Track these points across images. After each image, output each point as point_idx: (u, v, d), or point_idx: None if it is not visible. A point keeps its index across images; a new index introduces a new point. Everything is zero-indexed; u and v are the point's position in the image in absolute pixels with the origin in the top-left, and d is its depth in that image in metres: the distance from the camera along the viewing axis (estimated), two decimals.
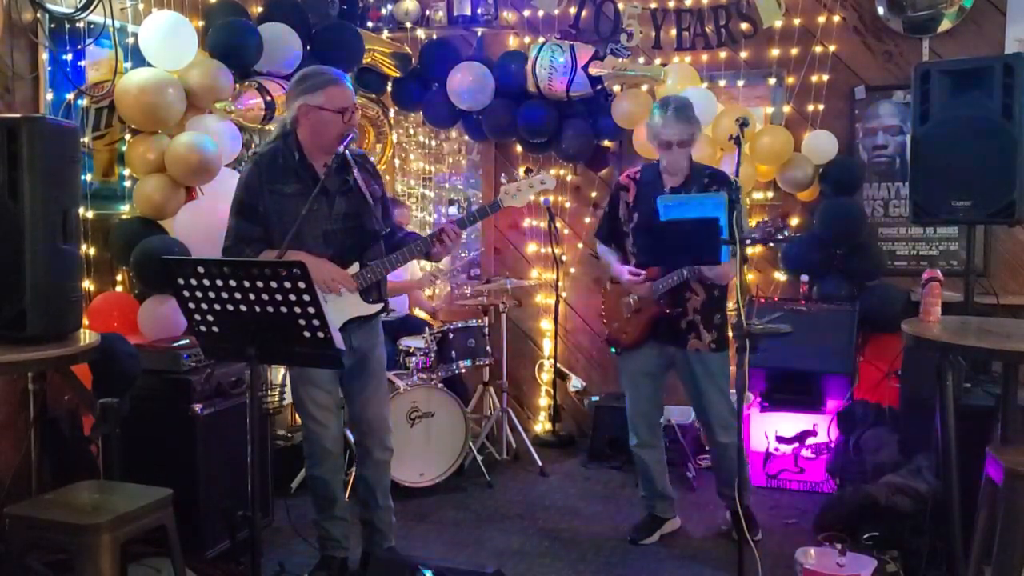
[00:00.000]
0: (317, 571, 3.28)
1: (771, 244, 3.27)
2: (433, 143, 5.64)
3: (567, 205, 5.30)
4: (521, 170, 3.22)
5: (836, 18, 4.64)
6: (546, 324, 5.35)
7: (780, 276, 4.79)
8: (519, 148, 5.26)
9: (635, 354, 3.67)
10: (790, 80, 4.72)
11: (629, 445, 3.80)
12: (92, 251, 3.66)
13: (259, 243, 2.98)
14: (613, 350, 3.78)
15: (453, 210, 5.59)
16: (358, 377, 3.20)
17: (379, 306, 3.16)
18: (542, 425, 5.37)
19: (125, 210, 3.88)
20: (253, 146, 4.70)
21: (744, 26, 4.75)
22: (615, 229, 3.72)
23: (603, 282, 3.91)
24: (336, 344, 2.37)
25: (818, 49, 4.66)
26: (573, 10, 5.03)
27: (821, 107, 4.65)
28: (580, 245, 5.29)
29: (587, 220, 5.26)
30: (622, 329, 3.67)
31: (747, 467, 4.05)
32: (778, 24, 4.63)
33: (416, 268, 5.28)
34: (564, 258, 5.28)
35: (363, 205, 3.09)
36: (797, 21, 4.66)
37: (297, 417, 4.98)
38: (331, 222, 3.04)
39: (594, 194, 5.24)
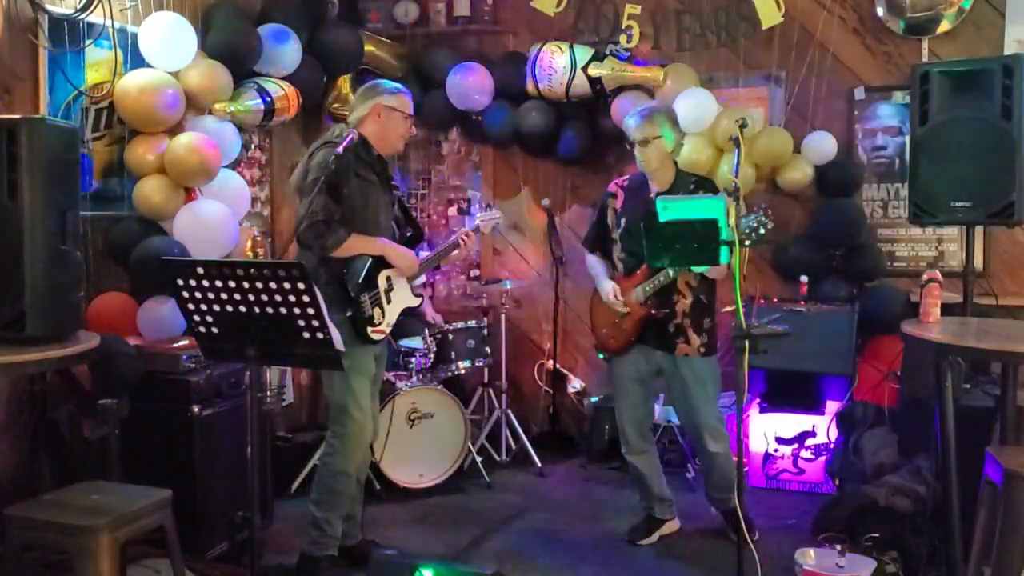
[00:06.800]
0: (328, 568, 3.28)
1: (755, 237, 3.25)
2: (433, 143, 5.63)
3: (567, 206, 5.30)
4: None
5: (835, 19, 4.65)
6: (545, 325, 5.35)
7: (779, 277, 4.79)
8: (518, 149, 5.26)
9: (623, 359, 3.66)
10: (789, 81, 4.72)
11: (621, 452, 3.80)
12: (92, 252, 3.66)
13: (339, 224, 3.10)
14: (601, 356, 3.78)
15: (452, 210, 5.59)
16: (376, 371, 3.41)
17: (421, 298, 3.44)
18: (541, 426, 5.37)
19: (125, 211, 3.87)
20: (252, 147, 4.71)
21: (743, 27, 4.75)
22: (602, 237, 3.74)
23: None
24: (336, 345, 2.38)
25: (817, 50, 4.66)
26: (573, 11, 5.03)
27: (820, 108, 4.65)
28: (580, 245, 5.27)
29: (586, 221, 5.25)
30: (610, 334, 3.67)
31: (744, 468, 4.04)
32: (777, 24, 4.63)
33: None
34: (564, 259, 5.27)
35: (398, 203, 3.49)
36: (796, 22, 4.67)
37: (303, 416, 5.02)
38: (391, 213, 3.40)
39: (593, 195, 5.23)
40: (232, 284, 2.34)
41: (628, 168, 5.08)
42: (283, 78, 4.26)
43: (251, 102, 4.02)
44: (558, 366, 5.24)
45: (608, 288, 3.62)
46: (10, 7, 3.27)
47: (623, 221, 3.62)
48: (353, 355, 3.17)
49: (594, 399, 5.06)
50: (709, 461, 3.65)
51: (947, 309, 3.32)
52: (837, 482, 4.15)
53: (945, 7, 4.40)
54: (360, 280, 3.14)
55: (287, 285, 2.29)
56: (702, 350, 3.53)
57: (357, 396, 3.22)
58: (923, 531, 3.27)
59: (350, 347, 3.11)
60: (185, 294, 2.42)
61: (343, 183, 3.09)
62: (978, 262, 4.22)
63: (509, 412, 4.87)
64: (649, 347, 3.60)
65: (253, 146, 4.74)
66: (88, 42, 3.57)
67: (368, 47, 4.84)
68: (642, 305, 3.53)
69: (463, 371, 4.72)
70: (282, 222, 4.98)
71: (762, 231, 3.17)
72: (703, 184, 3.56)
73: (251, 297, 2.34)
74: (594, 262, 3.77)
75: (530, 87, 4.82)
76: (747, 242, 3.22)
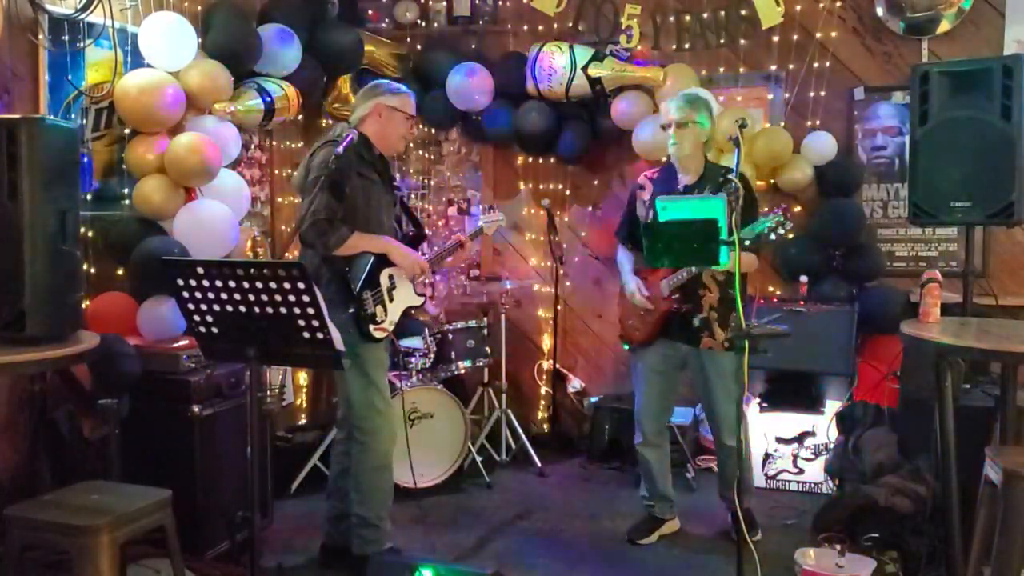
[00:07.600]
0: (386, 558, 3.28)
1: (772, 238, 3.25)
2: (433, 143, 5.63)
3: (566, 205, 5.30)
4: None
5: (835, 19, 4.65)
6: (545, 325, 5.35)
7: (779, 277, 4.79)
8: (518, 149, 5.26)
9: (646, 351, 3.66)
10: (789, 81, 4.72)
11: (634, 443, 3.78)
12: (92, 252, 3.66)
13: (341, 222, 3.10)
14: (626, 347, 3.78)
15: (452, 210, 5.59)
16: None
17: (423, 298, 3.45)
18: (541, 426, 5.37)
19: (125, 211, 3.88)
20: (252, 147, 4.72)
21: (743, 27, 4.75)
22: (633, 229, 3.72)
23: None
24: (335, 345, 2.38)
25: (817, 50, 4.66)
26: (573, 11, 5.03)
27: (820, 108, 4.65)
28: (581, 245, 5.29)
29: (586, 221, 5.26)
30: (634, 326, 3.67)
31: (751, 468, 4.06)
32: (777, 24, 4.63)
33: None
34: (564, 259, 5.27)
35: (398, 204, 3.50)
36: (796, 22, 4.67)
37: (303, 416, 5.03)
38: (393, 212, 3.42)
39: (593, 195, 5.24)
40: (232, 284, 2.34)
41: (628, 168, 5.12)
42: (283, 78, 4.26)
43: (251, 102, 4.02)
44: (558, 366, 5.24)
45: (632, 284, 3.63)
46: (10, 7, 3.27)
47: (652, 214, 3.60)
48: (367, 350, 3.20)
49: (594, 399, 5.06)
50: (724, 456, 3.66)
51: (947, 309, 3.32)
52: (837, 482, 4.14)
53: (945, 7, 4.40)
54: (363, 278, 3.15)
55: (287, 285, 2.29)
56: (726, 344, 3.50)
57: (380, 389, 3.26)
58: (923, 531, 3.27)
59: (362, 344, 3.14)
60: (185, 294, 2.42)
61: (345, 182, 3.10)
62: (978, 262, 4.22)
63: (509, 412, 4.87)
64: (674, 340, 3.60)
65: (253, 146, 4.75)
66: (88, 42, 3.57)
67: (368, 47, 4.84)
68: (665, 299, 3.53)
69: (463, 371, 4.72)
70: (282, 222, 4.98)
71: (780, 231, 3.19)
72: (733, 174, 3.52)
73: (251, 297, 2.34)
74: (623, 255, 3.77)
75: (530, 87, 4.82)
76: (749, 240, 3.23)
